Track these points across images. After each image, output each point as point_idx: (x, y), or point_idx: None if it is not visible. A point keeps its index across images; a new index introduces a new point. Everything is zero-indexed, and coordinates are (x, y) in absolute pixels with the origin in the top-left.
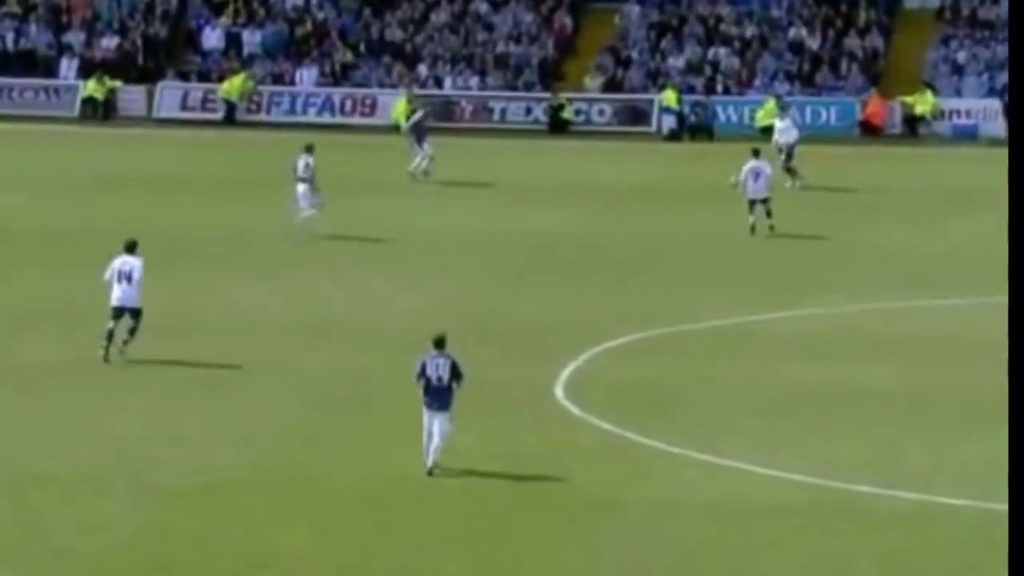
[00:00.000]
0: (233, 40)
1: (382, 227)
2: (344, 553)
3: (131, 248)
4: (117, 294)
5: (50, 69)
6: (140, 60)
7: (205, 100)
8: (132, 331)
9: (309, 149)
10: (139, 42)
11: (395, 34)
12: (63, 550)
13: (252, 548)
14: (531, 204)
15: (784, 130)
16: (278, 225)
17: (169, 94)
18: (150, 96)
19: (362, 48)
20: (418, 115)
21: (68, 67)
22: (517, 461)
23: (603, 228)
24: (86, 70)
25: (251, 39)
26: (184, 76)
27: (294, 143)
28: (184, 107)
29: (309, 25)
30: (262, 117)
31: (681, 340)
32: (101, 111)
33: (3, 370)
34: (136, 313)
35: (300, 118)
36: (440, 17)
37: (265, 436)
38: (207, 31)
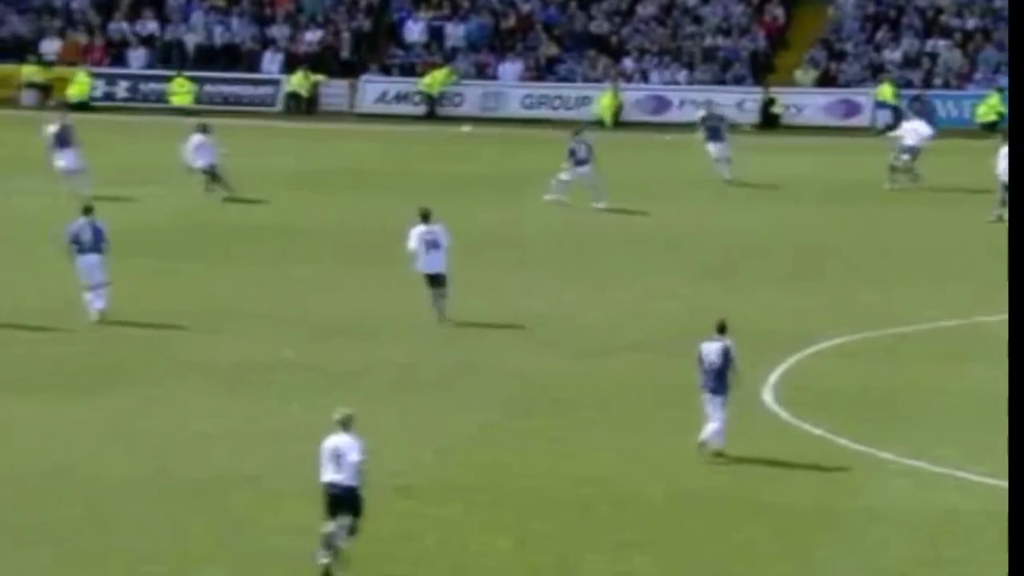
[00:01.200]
0: (436, 33)
1: (581, 226)
2: (544, 559)
3: (426, 217)
4: (427, 260)
5: (253, 63)
6: (343, 54)
7: (406, 94)
8: (444, 296)
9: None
10: (343, 36)
11: (601, 27)
12: (264, 551)
13: (449, 553)
14: (740, 201)
15: (912, 131)
16: (476, 221)
17: (371, 88)
18: (352, 90)
19: (567, 41)
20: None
21: (271, 61)
22: (723, 467)
23: (816, 227)
24: (289, 64)
25: (454, 32)
26: (386, 70)
27: (494, 138)
28: (385, 101)
29: (513, 18)
30: (463, 111)
31: (902, 342)
32: (304, 105)
33: (208, 368)
34: (444, 279)
35: (501, 112)
36: (647, 9)
37: (464, 439)
38: (409, 24)
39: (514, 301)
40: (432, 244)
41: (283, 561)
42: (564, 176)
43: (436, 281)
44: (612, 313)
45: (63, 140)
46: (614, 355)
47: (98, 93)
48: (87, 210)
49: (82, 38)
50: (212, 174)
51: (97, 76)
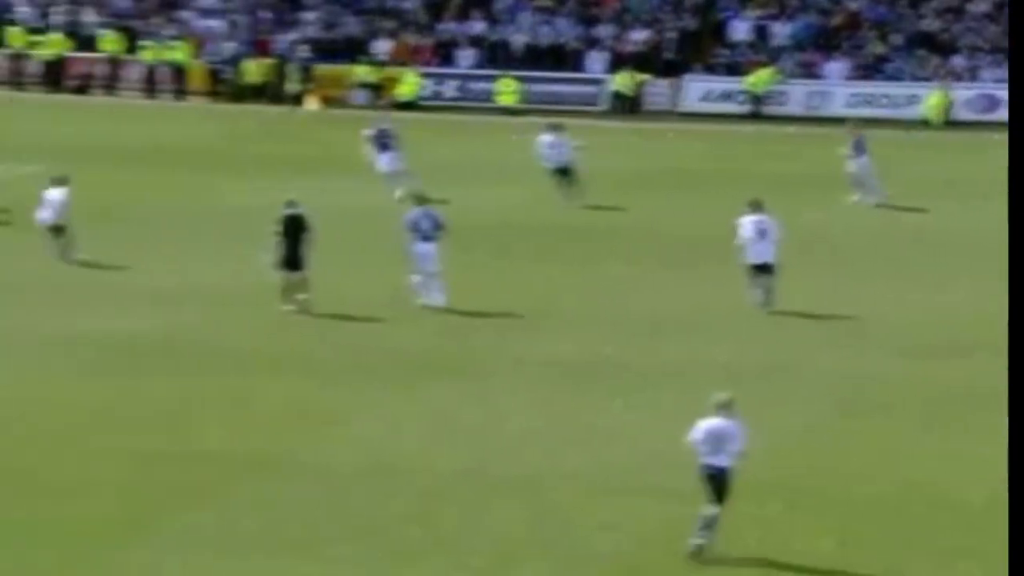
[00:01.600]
0: (761, 32)
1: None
2: (867, 563)
3: (758, 206)
4: (756, 250)
5: (578, 63)
6: (667, 54)
7: (731, 93)
8: (770, 287)
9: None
10: (668, 35)
11: (931, 24)
12: (582, 549)
13: (770, 552)
14: None
15: None
16: (800, 221)
17: (695, 87)
18: (676, 89)
19: (895, 39)
20: None
21: (596, 61)
22: None
23: None
24: (614, 64)
25: (780, 31)
26: (710, 69)
27: (818, 137)
28: (709, 100)
29: (841, 17)
30: (787, 110)
31: None
32: (628, 105)
33: (528, 365)
34: (772, 268)
35: (825, 112)
36: (979, 6)
37: (788, 438)
38: (735, 23)
39: (836, 300)
40: (762, 233)
41: (600, 560)
42: (851, 169)
43: (763, 270)
44: (933, 314)
45: (382, 143)
46: (937, 357)
47: (427, 93)
48: (422, 200)
49: (412, 39)
50: (563, 173)
51: (426, 76)
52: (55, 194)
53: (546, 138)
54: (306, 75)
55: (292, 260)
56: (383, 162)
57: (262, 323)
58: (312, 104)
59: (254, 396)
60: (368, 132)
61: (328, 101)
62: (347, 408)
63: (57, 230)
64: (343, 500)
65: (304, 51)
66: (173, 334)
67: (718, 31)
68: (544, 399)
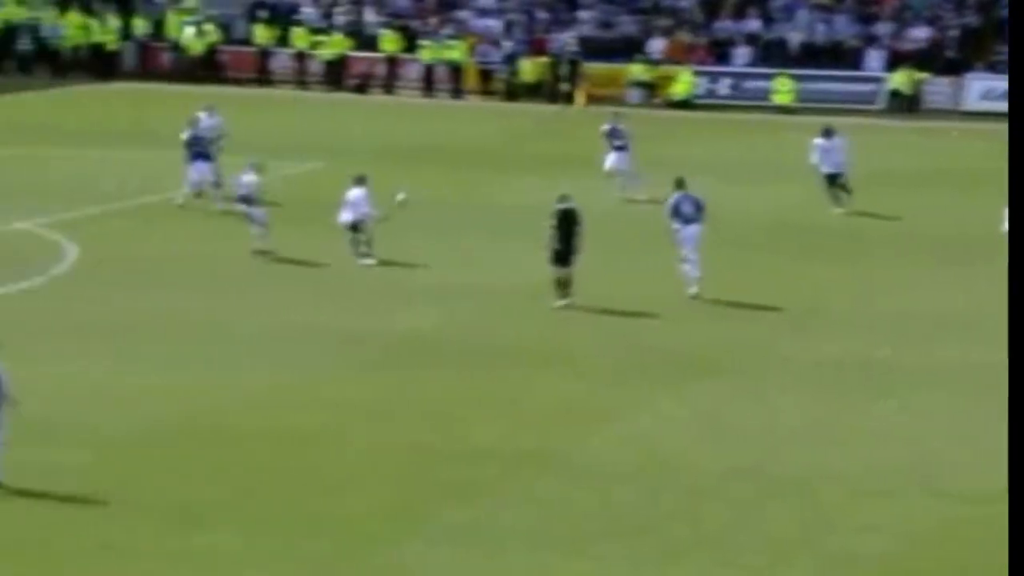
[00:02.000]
0: None
1: None
2: None
3: None
4: None
5: (856, 61)
6: (949, 52)
7: None
8: None
9: None
10: (951, 33)
11: None
12: (852, 548)
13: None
14: None
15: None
16: None
17: (976, 86)
18: (957, 88)
19: None
20: None
21: (874, 59)
22: None
23: None
24: (892, 62)
25: None
26: (992, 67)
27: None
28: (991, 99)
29: None
30: None
31: None
32: (907, 104)
33: (797, 364)
34: None
35: None
36: None
37: None
38: None
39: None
40: None
41: (869, 561)
42: None
43: None
44: None
45: (614, 142)
46: None
47: (701, 91)
48: (680, 183)
49: (687, 37)
50: (835, 178)
51: (700, 74)
52: (356, 193)
53: (819, 142)
54: (574, 72)
55: (564, 255)
56: (611, 161)
57: (535, 320)
58: (580, 101)
59: (525, 393)
60: (604, 128)
61: (599, 99)
62: (617, 406)
63: (355, 228)
64: (612, 498)
65: (572, 47)
66: (449, 331)
67: (1001, 28)
68: (813, 398)
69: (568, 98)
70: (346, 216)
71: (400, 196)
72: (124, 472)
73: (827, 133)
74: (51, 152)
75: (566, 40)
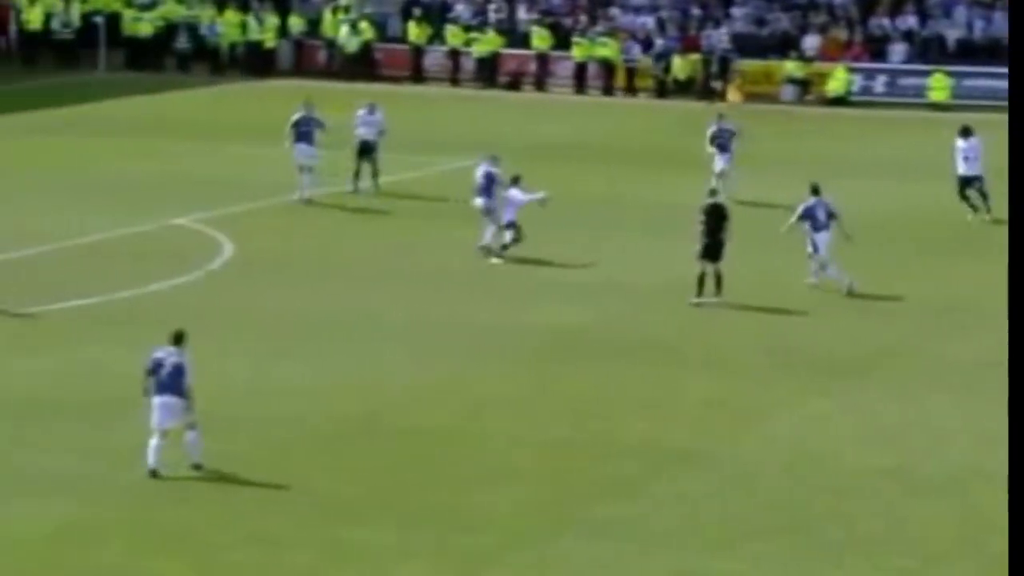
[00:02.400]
0: None
1: None
2: None
3: None
4: None
5: None
6: None
7: None
8: None
9: None
10: None
11: None
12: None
13: None
14: None
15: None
16: None
17: None
18: None
19: None
20: None
21: None
22: None
23: None
24: None
25: None
26: None
27: None
28: None
29: None
30: None
31: None
32: None
33: (949, 364)
34: None
35: None
36: None
37: None
38: None
39: None
40: None
41: None
42: None
43: None
44: None
45: (720, 144)
46: None
47: (856, 88)
48: (815, 190)
49: (842, 34)
50: (970, 182)
51: (855, 71)
52: (515, 192)
53: (959, 143)
54: (725, 69)
55: (712, 249)
56: (719, 162)
57: (683, 317)
58: (734, 98)
59: (673, 390)
60: (711, 130)
61: (754, 97)
62: (766, 404)
63: (511, 226)
64: (761, 497)
65: (724, 44)
66: (597, 327)
67: None
68: (964, 397)
69: (720, 95)
70: (509, 215)
71: (540, 195)
72: (277, 465)
73: (965, 132)
74: (208, 148)
75: (719, 36)
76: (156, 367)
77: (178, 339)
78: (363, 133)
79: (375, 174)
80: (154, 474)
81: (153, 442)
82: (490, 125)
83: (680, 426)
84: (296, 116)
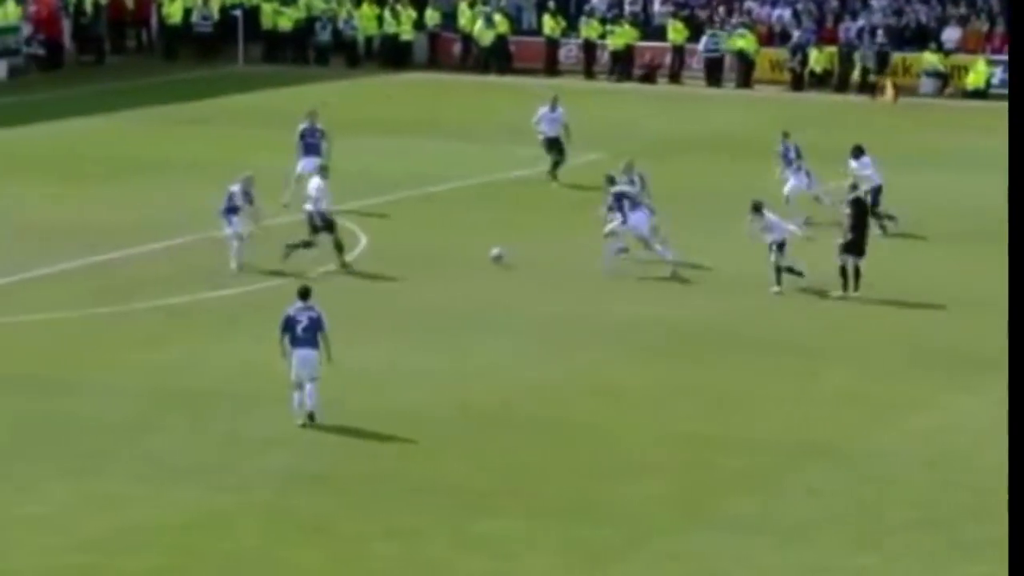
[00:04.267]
0: None
1: None
2: None
3: None
4: None
5: None
6: None
7: None
8: None
9: None
10: None
11: None
12: None
13: None
14: None
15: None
16: None
17: None
18: None
19: None
20: None
21: None
22: None
23: None
24: None
25: None
26: None
27: None
28: None
29: None
30: None
31: None
32: None
33: None
34: None
35: None
36: None
37: None
38: None
39: None
40: None
41: None
42: None
43: None
44: None
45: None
46: None
47: (996, 81)
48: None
49: (983, 26)
50: None
51: (995, 64)
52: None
53: None
54: (881, 63)
55: (858, 244)
56: (790, 185)
57: (817, 311)
58: (888, 93)
59: (808, 384)
60: (779, 149)
61: (898, 90)
62: (903, 400)
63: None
64: (898, 493)
65: (879, 38)
66: (729, 320)
67: None
68: None
69: (872, 89)
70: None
71: (495, 252)
72: (411, 456)
73: None
74: (343, 141)
75: (863, 30)
76: (291, 324)
77: (305, 294)
78: (547, 130)
79: (555, 166)
80: (305, 424)
81: (297, 396)
82: (624, 118)
83: (815, 420)
84: (301, 127)
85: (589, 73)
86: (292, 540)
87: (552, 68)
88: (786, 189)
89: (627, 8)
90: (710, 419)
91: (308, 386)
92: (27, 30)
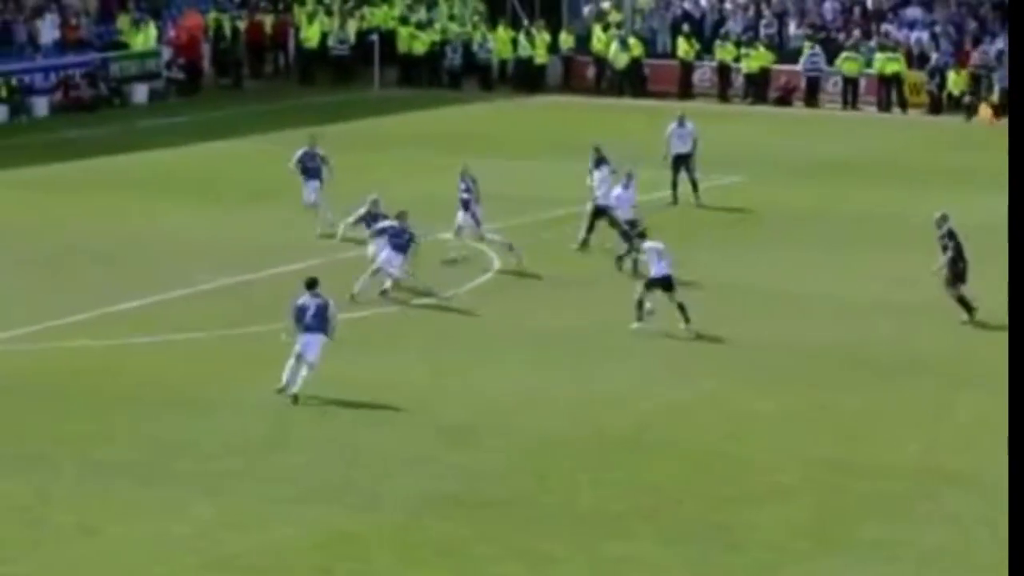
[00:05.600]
0: None
1: None
2: None
3: None
4: None
5: None
6: None
7: None
8: None
9: None
10: None
11: None
12: None
13: None
14: None
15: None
16: None
17: None
18: None
19: None
20: None
21: None
22: None
23: None
24: None
25: None
26: None
27: None
28: None
29: None
30: None
31: None
32: None
33: None
34: None
35: None
36: None
37: None
38: None
39: None
40: None
41: None
42: None
43: None
44: None
45: None
46: None
47: None
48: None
49: None
50: None
51: None
52: None
53: None
54: (981, 85)
55: (962, 273)
56: None
57: (947, 335)
58: (984, 114)
59: (942, 410)
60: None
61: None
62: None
63: None
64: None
65: (989, 59)
66: (860, 345)
67: None
68: None
69: (968, 110)
70: None
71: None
72: (543, 478)
73: None
74: (480, 164)
75: (986, 51)
76: (301, 312)
77: (312, 284)
78: (677, 146)
79: (695, 185)
80: (281, 391)
81: (291, 362)
82: (759, 141)
83: (951, 446)
84: (299, 152)
85: (723, 96)
86: (425, 562)
87: (686, 91)
88: None
89: (762, 31)
90: (842, 444)
91: (304, 371)
92: (167, 54)
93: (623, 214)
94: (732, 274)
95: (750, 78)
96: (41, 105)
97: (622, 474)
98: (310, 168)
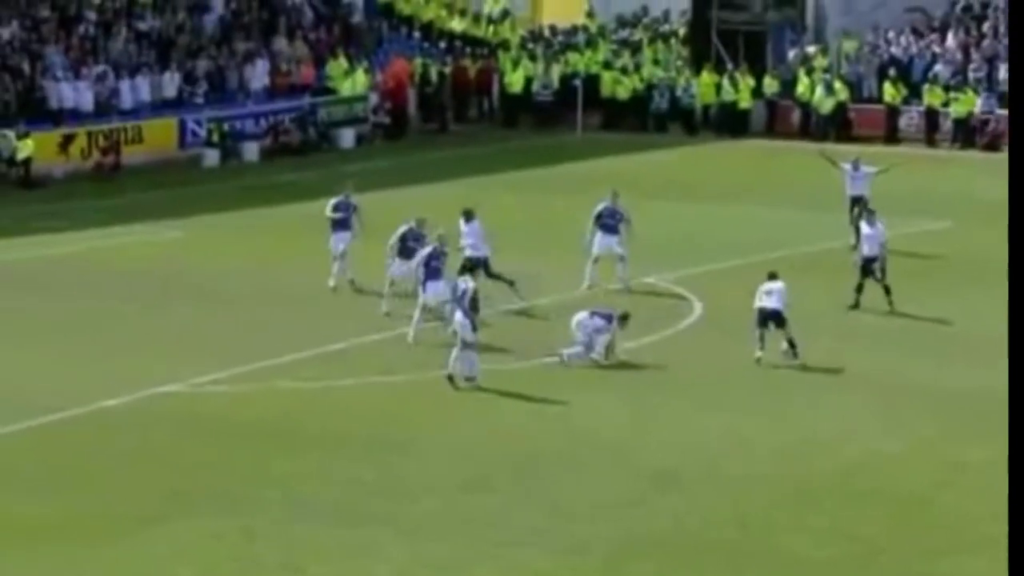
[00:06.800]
0: None
1: None
2: None
3: None
4: None
5: None
6: None
7: None
8: None
9: None
10: None
11: None
12: None
13: None
14: None
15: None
16: None
17: None
18: None
19: None
20: None
21: None
22: None
23: None
24: None
25: None
26: None
27: None
28: None
29: None
30: None
31: None
32: None
33: None
34: None
35: None
36: None
37: None
38: None
39: None
40: None
41: None
42: None
43: None
44: None
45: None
46: None
47: None
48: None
49: None
50: None
51: None
52: None
53: None
54: None
55: None
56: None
57: None
58: None
59: None
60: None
61: None
62: None
63: None
64: None
65: None
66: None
67: None
68: None
69: None
70: None
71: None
72: (746, 525)
73: None
74: (682, 208)
75: None
76: (462, 294)
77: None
78: (853, 189)
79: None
80: (451, 379)
81: (456, 352)
82: (966, 187)
83: None
84: (333, 200)
85: (931, 141)
86: None
87: (892, 136)
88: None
89: (971, 75)
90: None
91: (472, 354)
92: (374, 99)
93: (870, 251)
94: (940, 318)
95: (958, 122)
96: (251, 150)
97: (826, 520)
98: (342, 220)
